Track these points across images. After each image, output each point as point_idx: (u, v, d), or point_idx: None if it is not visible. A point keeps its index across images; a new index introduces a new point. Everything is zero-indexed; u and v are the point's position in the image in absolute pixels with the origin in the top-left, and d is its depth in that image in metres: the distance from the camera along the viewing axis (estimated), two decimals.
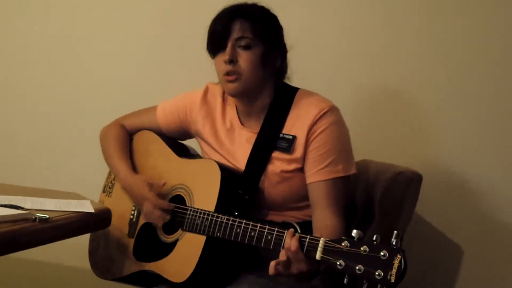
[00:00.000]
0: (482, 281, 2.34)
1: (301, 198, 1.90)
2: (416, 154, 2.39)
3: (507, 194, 2.32)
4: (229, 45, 1.88)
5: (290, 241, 1.62)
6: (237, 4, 1.94)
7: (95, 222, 1.88)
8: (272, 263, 1.63)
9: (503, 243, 2.33)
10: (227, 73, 1.89)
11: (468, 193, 2.35)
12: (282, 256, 1.63)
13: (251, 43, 1.88)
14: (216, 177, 1.85)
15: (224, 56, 1.88)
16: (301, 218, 1.90)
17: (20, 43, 2.84)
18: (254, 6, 1.95)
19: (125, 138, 2.15)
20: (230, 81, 1.89)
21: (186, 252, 1.87)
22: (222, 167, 1.88)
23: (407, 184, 1.96)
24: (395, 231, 1.49)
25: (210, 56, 1.96)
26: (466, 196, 2.35)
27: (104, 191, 2.20)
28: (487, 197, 2.33)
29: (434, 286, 2.38)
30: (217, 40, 1.90)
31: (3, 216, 1.60)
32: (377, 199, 1.97)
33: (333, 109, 1.89)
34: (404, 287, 2.32)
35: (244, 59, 1.88)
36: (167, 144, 2.09)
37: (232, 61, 1.87)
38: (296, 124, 1.90)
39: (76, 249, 2.37)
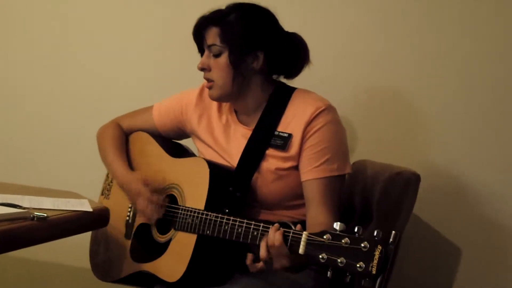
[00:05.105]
0: (480, 281, 2.34)
1: (296, 197, 1.90)
2: (415, 154, 2.39)
3: (505, 194, 2.31)
4: (205, 53, 1.93)
5: (274, 236, 1.61)
6: (212, 11, 1.94)
7: (93, 221, 1.88)
8: (249, 260, 1.65)
9: (501, 243, 2.33)
10: (206, 79, 1.93)
11: (466, 194, 2.35)
12: (263, 252, 1.63)
13: (220, 50, 1.89)
14: (205, 174, 1.85)
15: (198, 64, 1.93)
16: (297, 218, 1.89)
17: (19, 42, 2.84)
18: (227, 10, 1.92)
19: (122, 137, 2.16)
20: (208, 88, 1.94)
21: (179, 251, 1.87)
22: (212, 164, 1.88)
23: (405, 184, 1.96)
24: (393, 232, 1.48)
25: None
26: (464, 197, 2.35)
27: (102, 194, 2.21)
28: (485, 198, 2.33)
29: (432, 286, 2.38)
30: (198, 47, 1.96)
31: (1, 215, 1.60)
32: (375, 200, 1.97)
33: (329, 108, 1.89)
34: (402, 287, 2.35)
35: (214, 66, 1.91)
36: (161, 144, 2.09)
37: (204, 69, 1.92)
38: (293, 122, 1.90)
39: (74, 248, 2.38)
